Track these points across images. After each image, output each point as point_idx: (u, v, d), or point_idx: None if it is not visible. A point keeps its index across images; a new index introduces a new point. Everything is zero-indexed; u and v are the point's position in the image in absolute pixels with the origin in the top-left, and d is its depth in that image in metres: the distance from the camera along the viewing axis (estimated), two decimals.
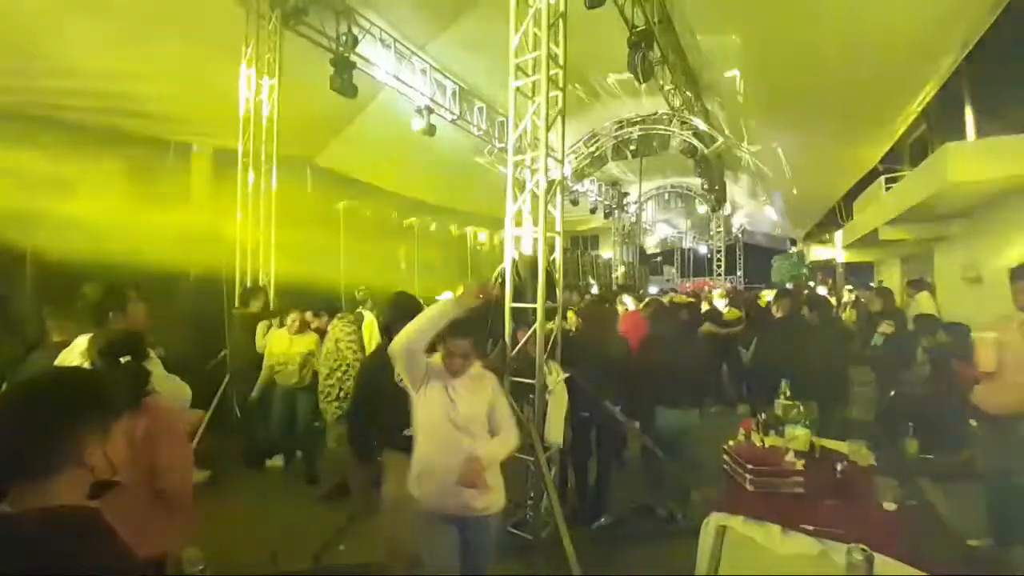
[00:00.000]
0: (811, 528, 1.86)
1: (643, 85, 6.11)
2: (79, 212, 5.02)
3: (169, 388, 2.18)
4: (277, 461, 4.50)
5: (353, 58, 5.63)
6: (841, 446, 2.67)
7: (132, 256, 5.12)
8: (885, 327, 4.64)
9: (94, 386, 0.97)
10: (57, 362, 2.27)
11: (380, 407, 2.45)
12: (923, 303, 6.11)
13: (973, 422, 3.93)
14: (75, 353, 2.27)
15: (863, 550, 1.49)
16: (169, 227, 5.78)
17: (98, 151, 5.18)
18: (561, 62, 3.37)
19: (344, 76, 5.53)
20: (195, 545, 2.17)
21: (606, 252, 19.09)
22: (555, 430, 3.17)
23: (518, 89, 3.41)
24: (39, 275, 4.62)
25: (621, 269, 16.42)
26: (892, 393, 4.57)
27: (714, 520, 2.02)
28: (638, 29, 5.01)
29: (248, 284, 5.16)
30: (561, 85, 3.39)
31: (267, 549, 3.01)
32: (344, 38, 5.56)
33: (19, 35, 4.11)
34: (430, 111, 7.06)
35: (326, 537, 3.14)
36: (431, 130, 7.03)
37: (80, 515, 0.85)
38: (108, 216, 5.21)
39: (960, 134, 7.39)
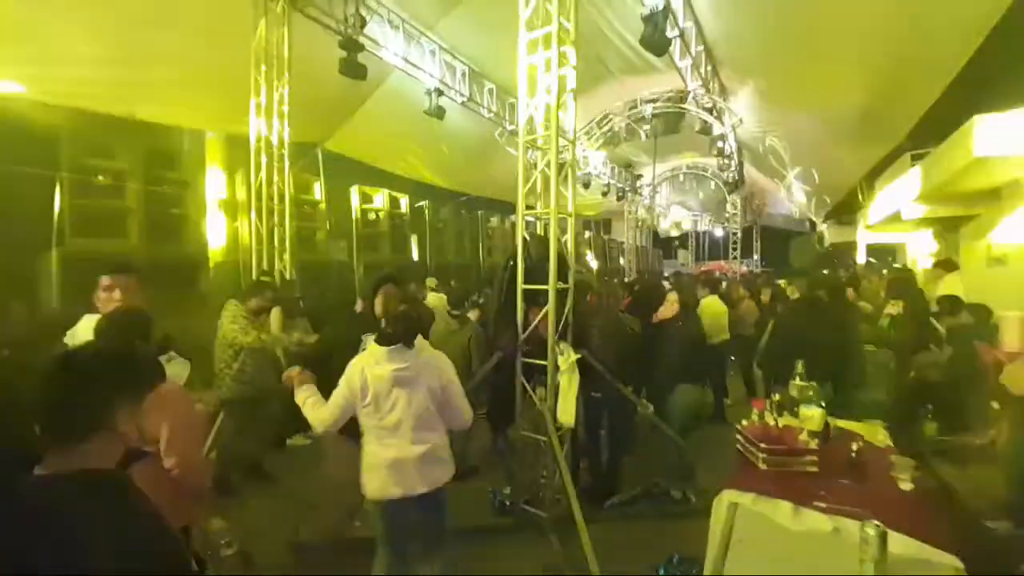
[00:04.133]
0: (824, 505, 1.85)
1: (659, 59, 5.94)
2: (97, 199, 5.14)
3: (170, 368, 2.22)
4: (300, 439, 4.61)
5: (361, 40, 5.58)
6: (857, 427, 2.64)
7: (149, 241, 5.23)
8: (890, 307, 4.54)
9: (130, 360, 1.07)
10: (66, 340, 2.31)
11: None
12: (948, 284, 5.95)
13: (995, 404, 3.85)
14: (79, 334, 2.29)
15: (876, 526, 1.48)
16: (185, 213, 5.88)
17: (114, 138, 5.27)
18: (573, 39, 3.29)
19: (353, 58, 5.49)
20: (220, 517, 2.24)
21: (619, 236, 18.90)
22: (567, 411, 3.20)
23: (529, 68, 3.35)
24: (63, 262, 4.75)
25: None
26: (912, 374, 4.48)
27: (726, 497, 2.02)
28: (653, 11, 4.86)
29: (264, 268, 5.23)
30: (573, 63, 3.32)
31: (289, 525, 3.12)
32: (352, 19, 5.50)
33: (33, 23, 4.15)
34: (440, 93, 6.98)
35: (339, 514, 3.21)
36: (440, 112, 6.97)
37: (113, 477, 0.89)
38: (125, 203, 5.33)
39: (989, 107, 7.05)
